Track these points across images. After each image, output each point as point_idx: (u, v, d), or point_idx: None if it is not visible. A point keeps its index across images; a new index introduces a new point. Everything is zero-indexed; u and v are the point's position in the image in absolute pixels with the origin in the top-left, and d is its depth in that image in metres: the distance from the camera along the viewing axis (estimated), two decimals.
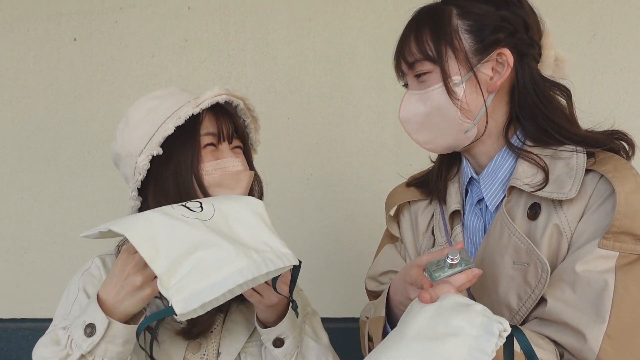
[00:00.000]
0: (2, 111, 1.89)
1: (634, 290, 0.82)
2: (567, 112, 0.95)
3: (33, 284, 1.91)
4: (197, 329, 0.98)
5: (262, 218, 0.87)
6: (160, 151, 0.96)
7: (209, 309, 0.78)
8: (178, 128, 0.96)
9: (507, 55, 0.91)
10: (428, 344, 0.66)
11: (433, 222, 1.08)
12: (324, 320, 1.14)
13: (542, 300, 0.87)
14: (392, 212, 1.15)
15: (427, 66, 0.93)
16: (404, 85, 1.02)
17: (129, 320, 0.85)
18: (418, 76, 0.95)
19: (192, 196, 0.96)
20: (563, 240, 0.88)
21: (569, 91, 0.96)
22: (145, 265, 0.80)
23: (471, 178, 1.02)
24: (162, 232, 0.77)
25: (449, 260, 0.82)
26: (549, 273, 0.86)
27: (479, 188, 1.00)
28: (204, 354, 0.99)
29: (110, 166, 1.86)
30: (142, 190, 1.01)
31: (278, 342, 0.97)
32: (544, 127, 0.93)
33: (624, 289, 0.81)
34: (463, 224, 1.03)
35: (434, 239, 1.06)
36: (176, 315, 0.72)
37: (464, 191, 1.05)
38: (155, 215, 0.79)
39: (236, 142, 1.05)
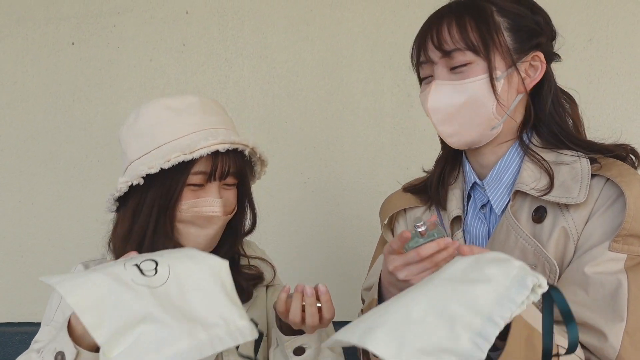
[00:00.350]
0: (1, 114, 1.89)
1: None
2: (576, 120, 0.99)
3: (30, 287, 1.90)
4: None
5: (223, 283, 0.81)
6: (141, 182, 0.97)
7: None
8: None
9: (542, 59, 0.94)
10: (457, 285, 0.65)
11: None
12: None
13: None
14: (386, 222, 1.14)
15: (468, 57, 0.92)
16: (422, 78, 1.01)
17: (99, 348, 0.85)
18: (454, 67, 0.94)
19: (162, 228, 0.96)
20: (570, 243, 0.89)
21: (574, 100, 1.00)
22: None
23: (474, 183, 1.03)
24: (107, 299, 0.73)
25: (417, 229, 0.83)
26: (557, 274, 0.87)
27: (483, 193, 1.01)
28: None
29: (109, 169, 1.87)
30: (126, 195, 1.01)
31: (299, 351, 0.97)
32: (554, 132, 0.96)
33: (636, 288, 0.83)
34: (463, 230, 1.03)
35: None
36: None
37: (466, 196, 1.05)
38: (103, 278, 0.75)
39: (231, 180, 1.02)
